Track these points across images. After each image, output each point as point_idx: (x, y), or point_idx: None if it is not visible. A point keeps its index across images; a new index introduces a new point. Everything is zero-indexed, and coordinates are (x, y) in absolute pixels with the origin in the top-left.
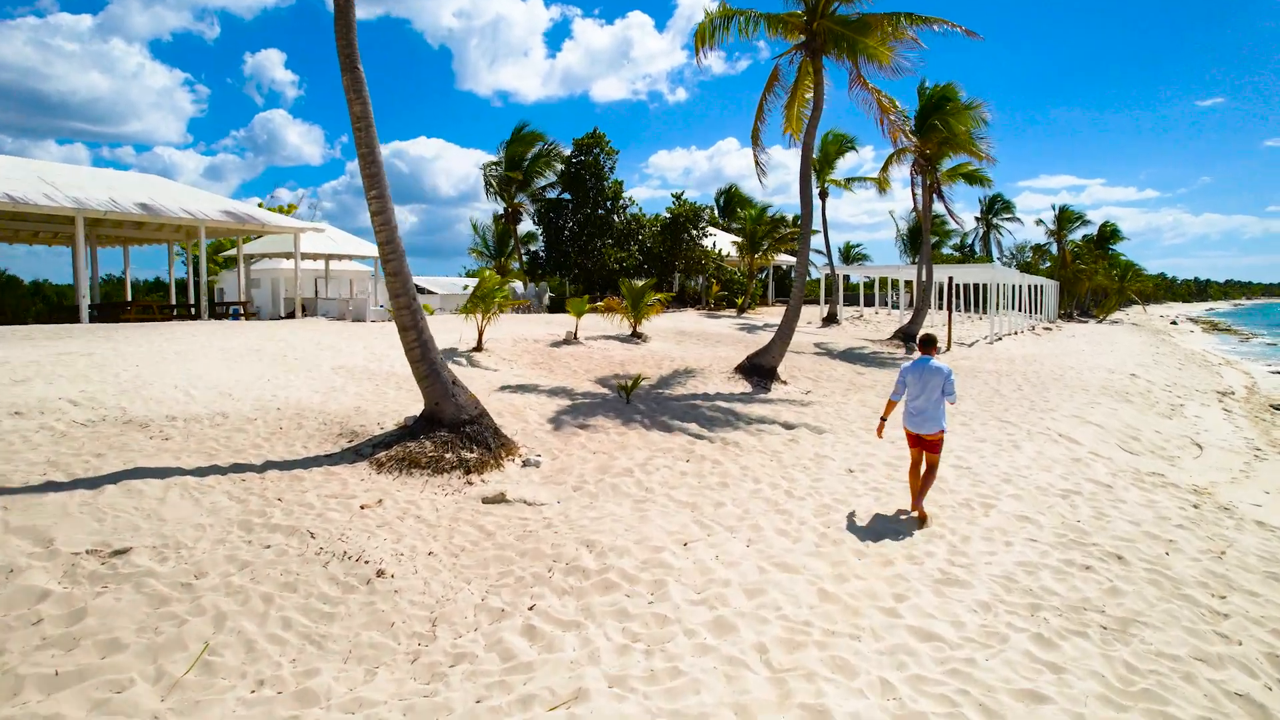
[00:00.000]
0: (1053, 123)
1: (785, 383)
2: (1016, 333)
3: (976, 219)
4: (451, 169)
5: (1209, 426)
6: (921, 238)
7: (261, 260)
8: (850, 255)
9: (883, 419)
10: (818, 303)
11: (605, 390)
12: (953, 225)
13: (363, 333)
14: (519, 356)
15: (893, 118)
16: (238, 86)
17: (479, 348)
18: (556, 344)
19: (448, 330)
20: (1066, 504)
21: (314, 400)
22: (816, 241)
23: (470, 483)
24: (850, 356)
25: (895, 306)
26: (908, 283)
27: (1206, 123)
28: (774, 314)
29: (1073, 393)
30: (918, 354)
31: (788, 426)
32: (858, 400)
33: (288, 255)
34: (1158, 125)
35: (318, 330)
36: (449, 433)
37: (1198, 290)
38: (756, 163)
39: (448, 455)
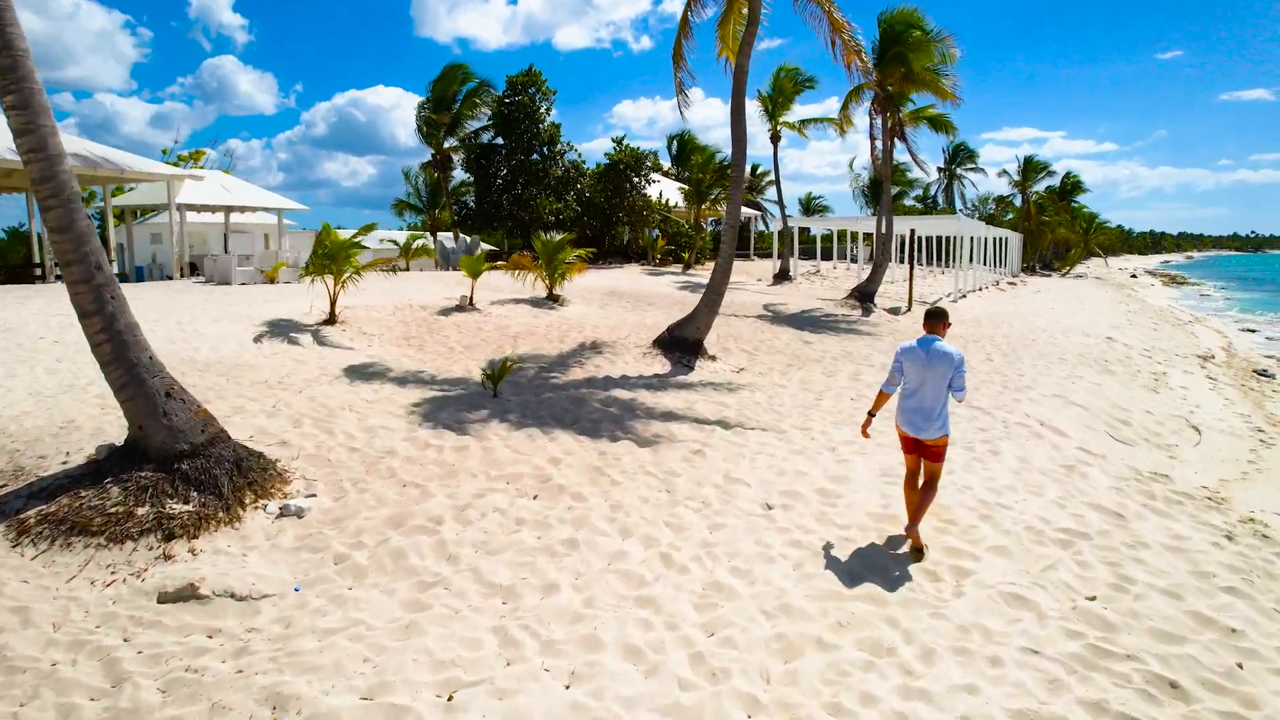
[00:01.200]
0: (1015, 73)
1: (714, 358)
2: (981, 289)
3: (940, 169)
4: (409, 119)
5: (1199, 401)
6: (888, 189)
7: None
8: (811, 207)
9: (870, 414)
10: (795, 256)
11: (480, 375)
12: (915, 174)
13: (204, 301)
14: (390, 329)
15: (845, 38)
16: (183, 30)
17: (331, 319)
18: (446, 311)
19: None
20: (1072, 560)
21: (11, 408)
22: (771, 191)
23: (169, 555)
24: (800, 321)
25: (855, 261)
26: (867, 235)
27: (1165, 76)
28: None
29: (1049, 363)
30: (916, 335)
31: (701, 424)
32: (800, 380)
33: (197, 208)
34: (1118, 78)
35: (150, 297)
36: (156, 471)
37: (1152, 243)
38: (679, 89)
39: (140, 510)
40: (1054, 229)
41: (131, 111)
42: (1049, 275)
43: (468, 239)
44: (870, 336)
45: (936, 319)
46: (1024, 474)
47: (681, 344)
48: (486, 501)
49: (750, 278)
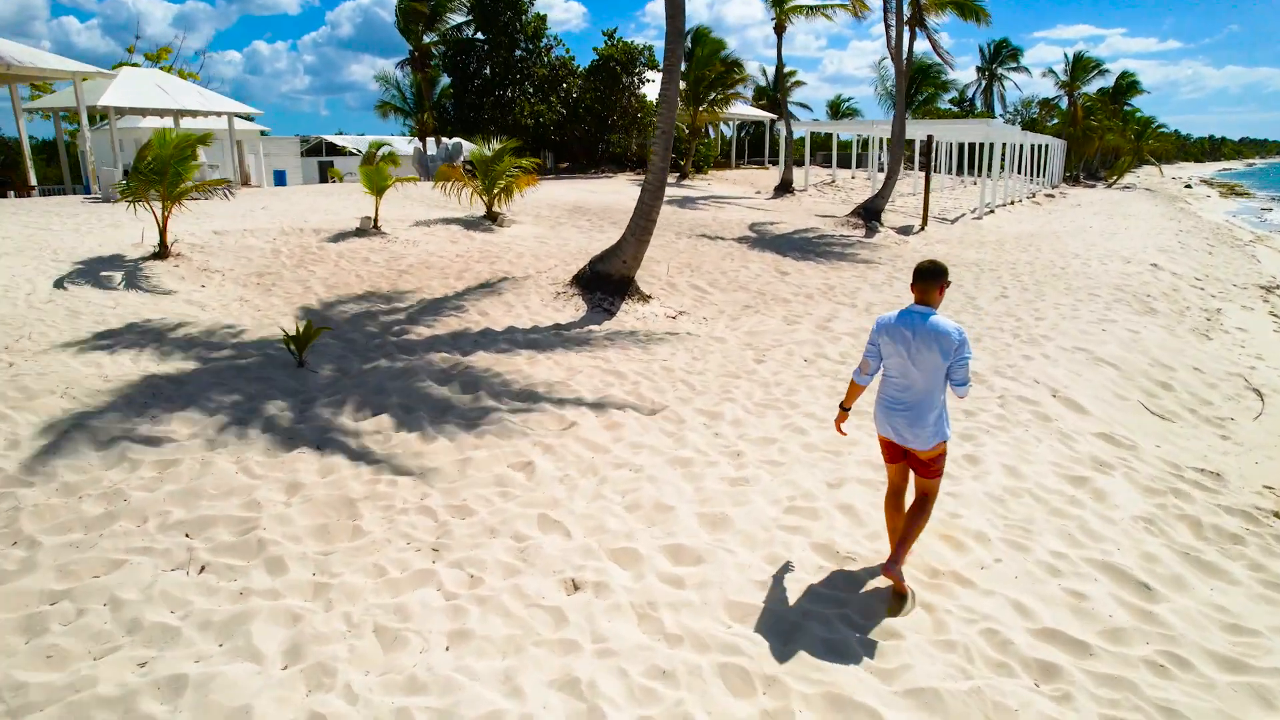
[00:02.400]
0: None
1: (646, 298)
2: (1012, 202)
3: (979, 70)
4: None
5: (1261, 348)
6: (903, 87)
7: (129, 117)
8: (840, 110)
9: (843, 408)
10: (819, 164)
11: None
12: (949, 75)
13: (22, 227)
14: (247, 263)
15: None
16: None
17: (162, 252)
18: (342, 236)
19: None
20: (1089, 677)
21: None
22: (798, 93)
23: None
24: (786, 244)
25: (882, 170)
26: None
27: None
28: (727, 182)
29: (1077, 301)
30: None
31: (567, 408)
32: (748, 331)
33: (124, 111)
34: None
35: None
36: None
37: (1211, 149)
38: None
39: None
40: (1102, 135)
41: (154, 11)
42: (1094, 186)
43: (449, 144)
44: (865, 264)
45: (930, 279)
46: (1009, 502)
47: (604, 281)
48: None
49: (753, 189)
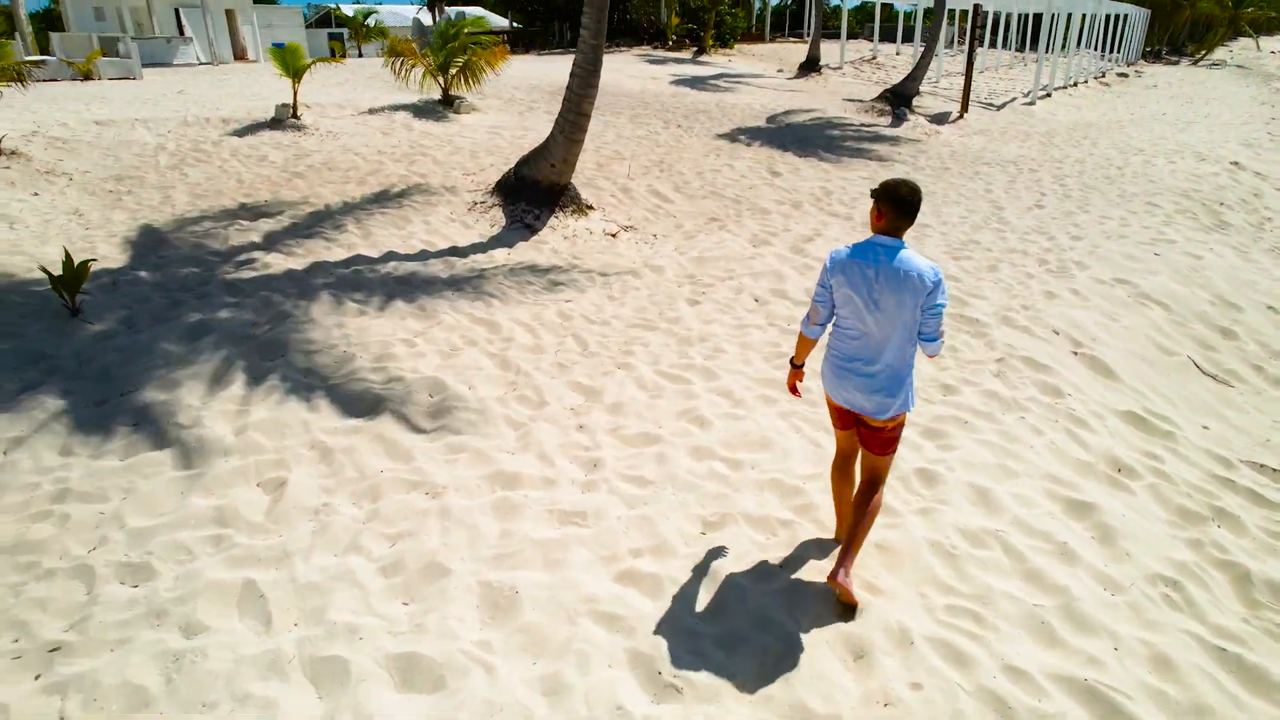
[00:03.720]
0: None
1: (587, 209)
2: (1075, 84)
3: None
4: None
5: None
6: None
7: None
8: None
9: (795, 365)
10: (865, 38)
11: (117, 261)
12: None
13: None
14: (115, 161)
15: None
16: None
17: None
18: (250, 129)
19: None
20: None
21: None
22: None
23: None
24: (790, 135)
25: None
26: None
27: None
28: (753, 58)
29: (1130, 210)
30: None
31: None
32: (698, 256)
33: None
34: None
35: None
36: None
37: None
38: None
39: None
40: (1193, 2)
41: None
42: (1176, 62)
43: (451, 14)
44: (880, 163)
45: (904, 208)
46: (964, 561)
47: (530, 189)
48: None
49: (775, 66)
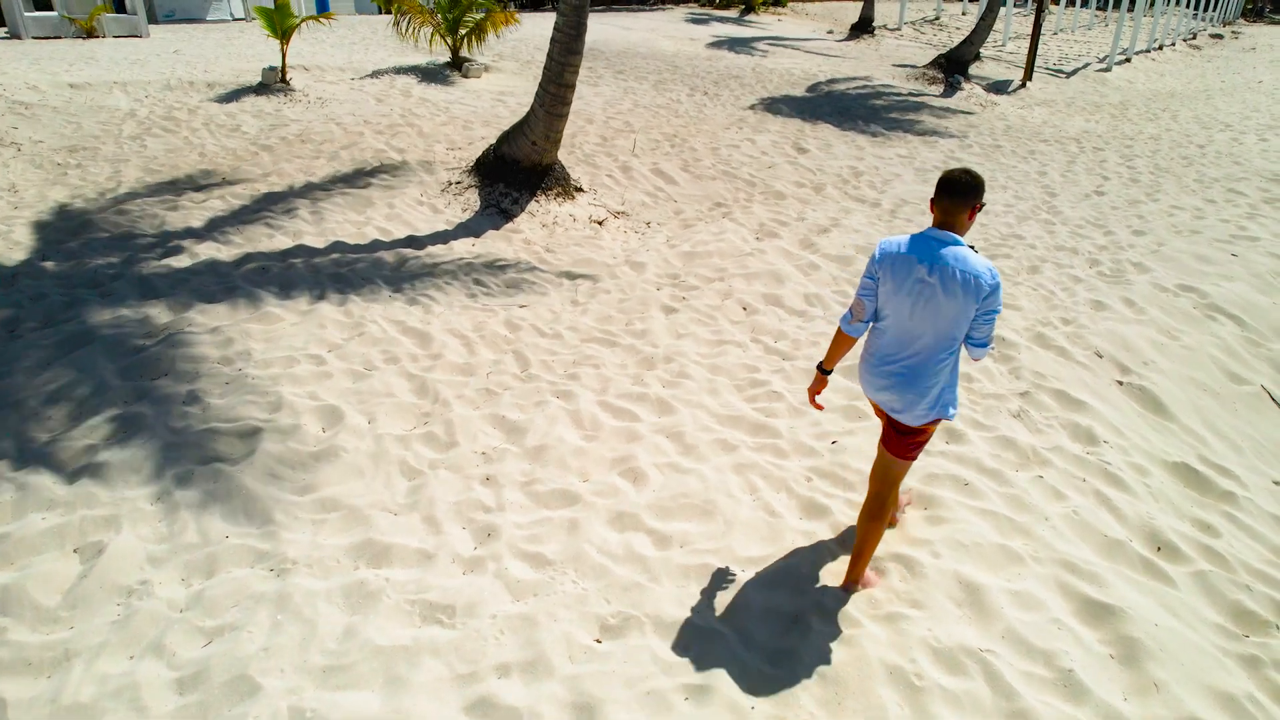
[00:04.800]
0: None
1: (576, 191)
2: (1160, 46)
3: None
4: None
5: None
6: None
7: None
8: None
9: (822, 369)
10: None
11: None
12: None
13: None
14: (75, 129)
15: None
16: None
17: None
18: (235, 94)
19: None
20: None
21: None
22: None
23: None
24: (828, 105)
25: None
26: None
27: None
28: (806, 17)
29: (1209, 199)
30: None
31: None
32: (687, 251)
33: None
34: None
35: None
36: None
37: None
38: None
39: None
40: None
41: None
42: None
43: None
44: (922, 138)
45: (959, 196)
46: (930, 703)
47: (510, 169)
48: None
49: (827, 27)
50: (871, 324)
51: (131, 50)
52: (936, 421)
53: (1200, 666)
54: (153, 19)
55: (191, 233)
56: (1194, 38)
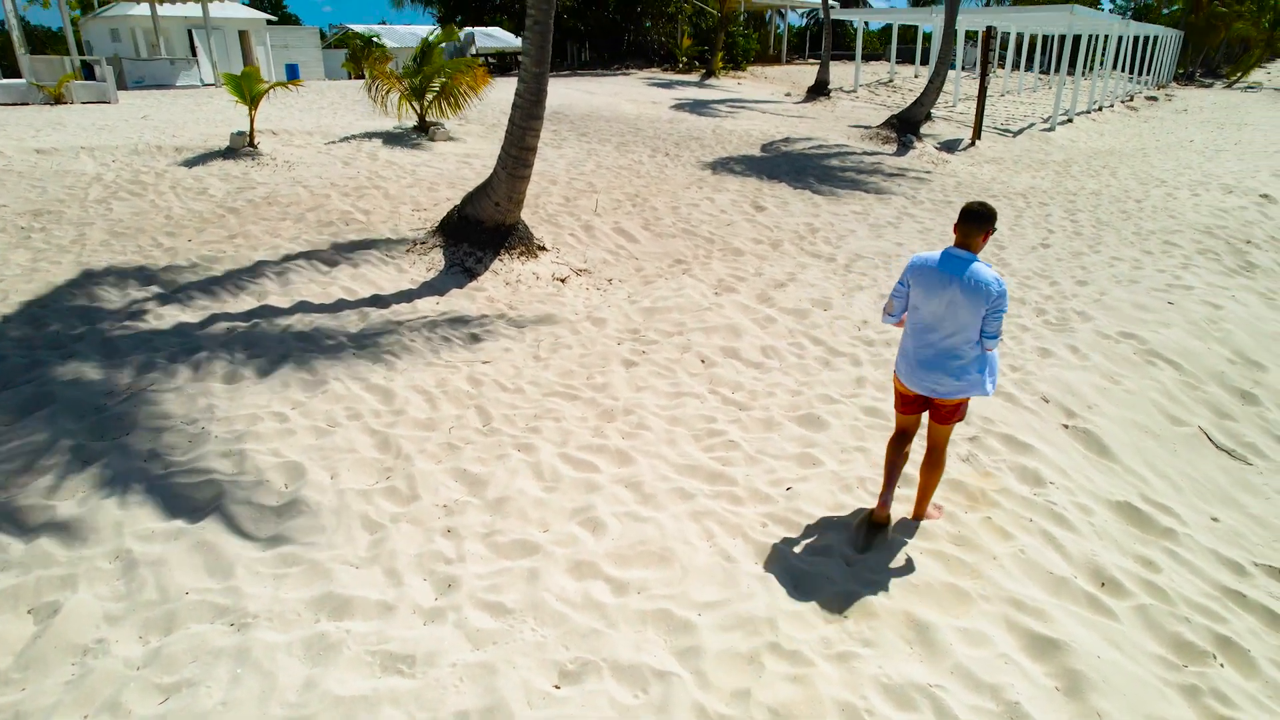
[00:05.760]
0: None
1: (539, 251)
2: (1099, 108)
3: None
4: None
5: None
6: None
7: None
8: None
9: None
10: (887, 59)
11: None
12: None
13: None
14: (40, 193)
15: None
16: None
17: None
18: (203, 158)
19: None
20: None
21: None
22: None
23: None
24: (785, 164)
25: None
26: (970, 34)
27: None
28: (765, 81)
29: (1146, 250)
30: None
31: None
32: (648, 306)
33: None
34: None
35: None
36: None
37: None
38: None
39: None
40: (1229, 23)
41: None
42: (1210, 86)
43: (462, 35)
44: (876, 195)
45: (975, 222)
46: None
47: (474, 230)
48: None
49: (785, 90)
50: (908, 323)
51: (100, 116)
52: (967, 399)
53: (1141, 697)
54: (122, 85)
55: (156, 295)
56: (1131, 100)
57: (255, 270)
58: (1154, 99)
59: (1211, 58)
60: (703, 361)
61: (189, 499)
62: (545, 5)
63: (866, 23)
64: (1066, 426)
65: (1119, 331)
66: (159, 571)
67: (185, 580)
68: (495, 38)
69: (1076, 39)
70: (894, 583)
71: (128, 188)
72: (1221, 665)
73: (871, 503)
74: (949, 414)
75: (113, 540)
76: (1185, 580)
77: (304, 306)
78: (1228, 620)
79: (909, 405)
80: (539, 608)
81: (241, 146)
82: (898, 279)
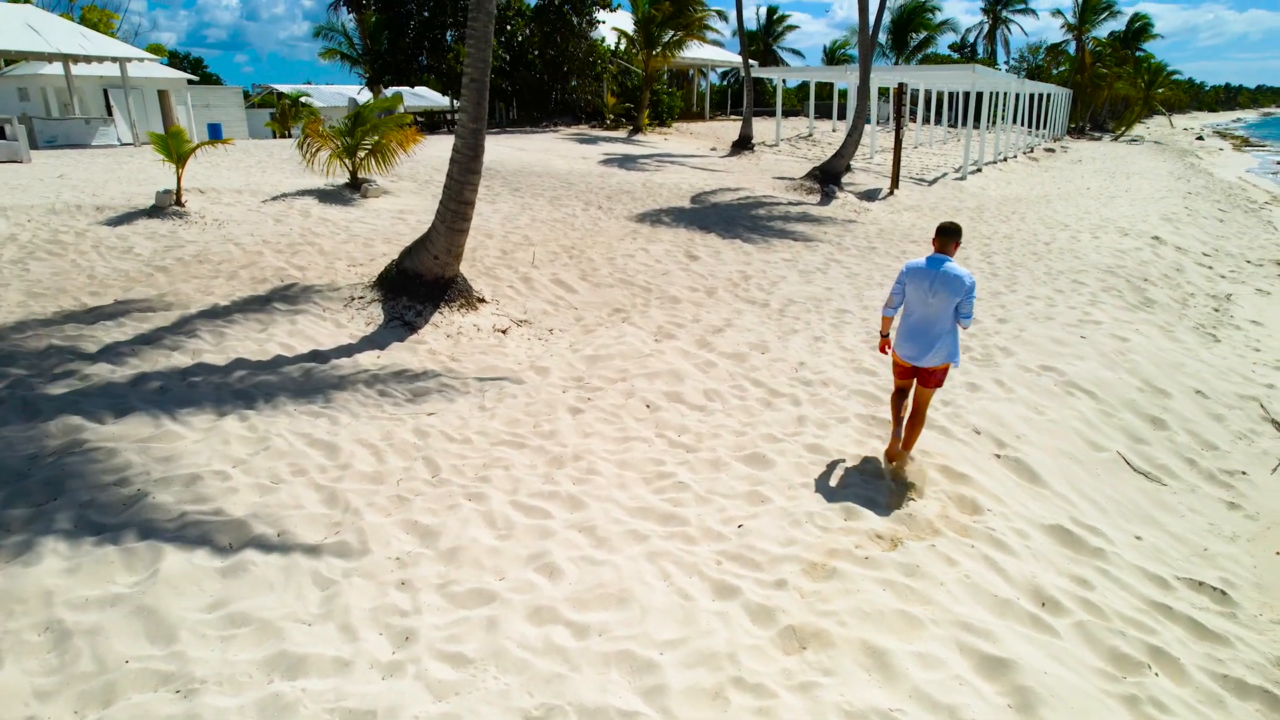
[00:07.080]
0: None
1: (479, 303)
2: (1005, 159)
3: (983, 10)
4: None
5: None
6: (866, 24)
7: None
8: (835, 56)
9: (883, 334)
10: (806, 115)
11: None
12: (944, 15)
13: None
14: None
15: None
16: None
17: None
18: (127, 217)
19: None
20: None
21: None
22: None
23: None
24: (715, 215)
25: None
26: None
27: None
28: (691, 136)
29: (1057, 289)
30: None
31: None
32: (590, 354)
33: (35, 56)
34: None
35: None
36: None
37: (1226, 98)
38: None
39: None
40: (1111, 83)
41: None
42: (1099, 139)
43: (387, 94)
44: (804, 243)
45: (950, 236)
46: None
47: (413, 283)
48: None
49: (710, 144)
50: (902, 311)
51: (11, 175)
52: (947, 365)
53: (1086, 709)
54: (33, 145)
55: (80, 355)
56: (1032, 151)
57: (189, 328)
58: (1052, 150)
59: (1099, 114)
60: (648, 406)
61: (126, 565)
62: (481, 64)
63: (784, 80)
64: (998, 456)
65: (1039, 365)
66: (95, 641)
67: (124, 648)
68: (423, 97)
69: (980, 96)
70: (848, 612)
71: (46, 247)
72: (1156, 674)
73: (823, 537)
74: (933, 378)
75: (41, 611)
76: (1117, 596)
77: (241, 364)
78: (1158, 632)
79: (904, 373)
80: (500, 655)
81: (168, 205)
82: (895, 280)
